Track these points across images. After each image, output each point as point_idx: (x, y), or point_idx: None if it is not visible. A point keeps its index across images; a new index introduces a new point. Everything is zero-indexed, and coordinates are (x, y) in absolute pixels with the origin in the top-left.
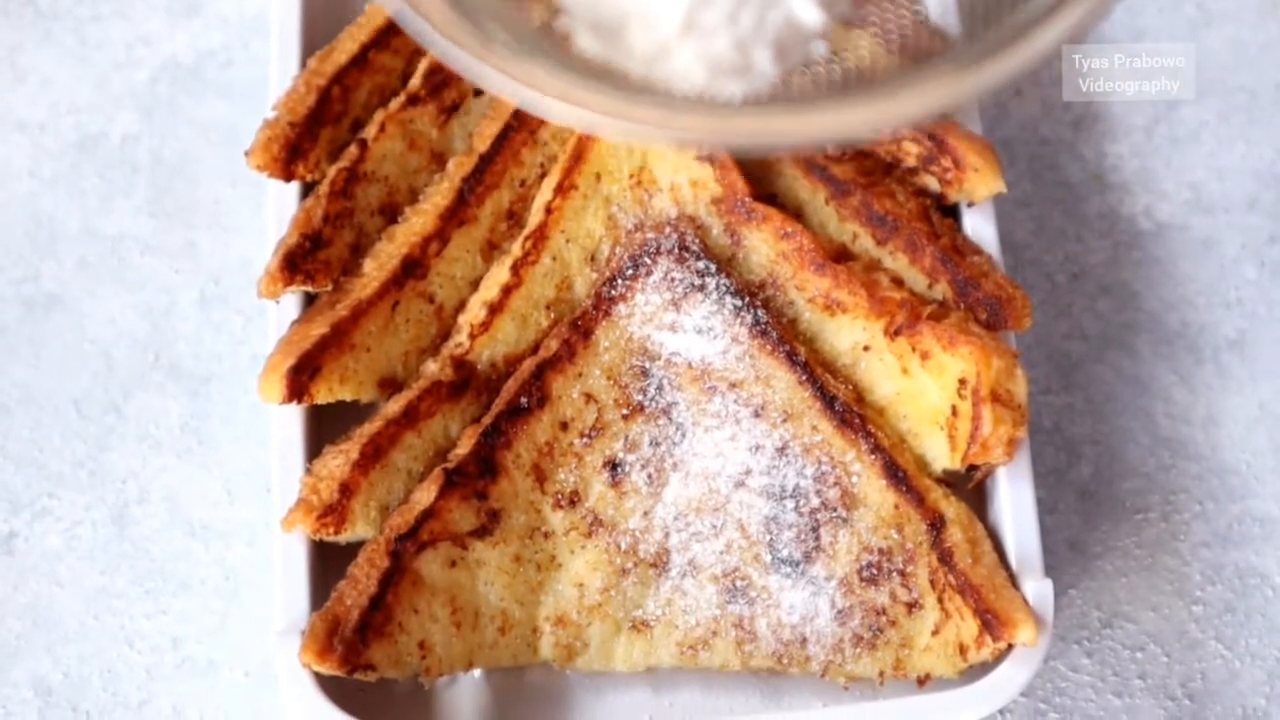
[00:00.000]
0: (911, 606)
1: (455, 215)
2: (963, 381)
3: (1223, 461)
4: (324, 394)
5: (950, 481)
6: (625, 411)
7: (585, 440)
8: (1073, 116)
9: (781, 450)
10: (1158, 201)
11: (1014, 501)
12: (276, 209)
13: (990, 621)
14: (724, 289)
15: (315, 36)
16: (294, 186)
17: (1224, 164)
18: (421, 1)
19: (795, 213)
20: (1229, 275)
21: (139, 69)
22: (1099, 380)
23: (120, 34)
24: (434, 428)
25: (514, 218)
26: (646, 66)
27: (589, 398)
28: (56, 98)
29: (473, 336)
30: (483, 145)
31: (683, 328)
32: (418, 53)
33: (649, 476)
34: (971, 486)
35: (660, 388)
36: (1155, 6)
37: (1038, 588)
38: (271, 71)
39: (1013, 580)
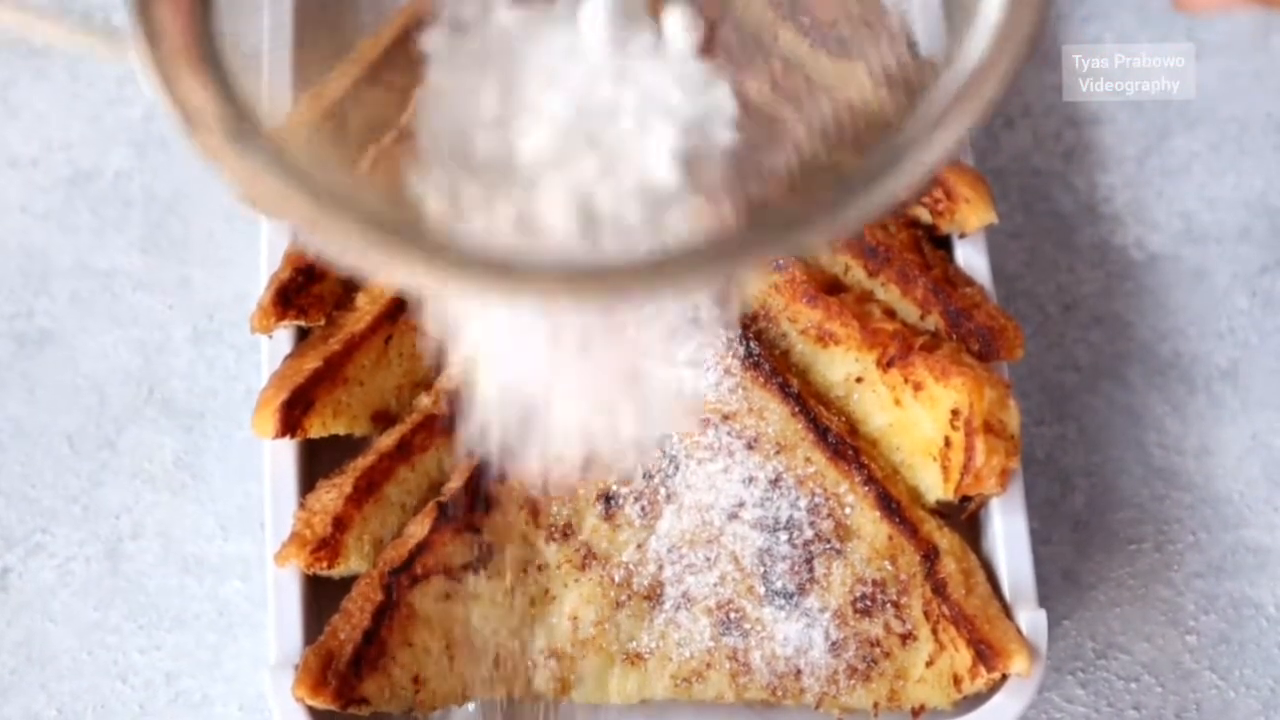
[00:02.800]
0: (905, 638)
1: None
2: (955, 412)
3: (1216, 491)
4: (317, 428)
5: (944, 513)
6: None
7: (578, 472)
8: (1064, 148)
9: (775, 482)
10: (1149, 232)
11: (1007, 532)
12: (270, 244)
13: (984, 652)
14: (716, 321)
15: (307, 72)
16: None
17: (1215, 194)
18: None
19: None
20: (1221, 305)
21: (132, 105)
22: (1092, 411)
23: (113, 71)
24: (427, 461)
25: None
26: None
27: (582, 430)
28: (49, 134)
29: (465, 370)
30: None
31: (675, 360)
32: (410, 88)
33: (642, 509)
34: (965, 517)
35: None
36: (1145, 37)
37: (1031, 618)
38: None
39: (1006, 611)
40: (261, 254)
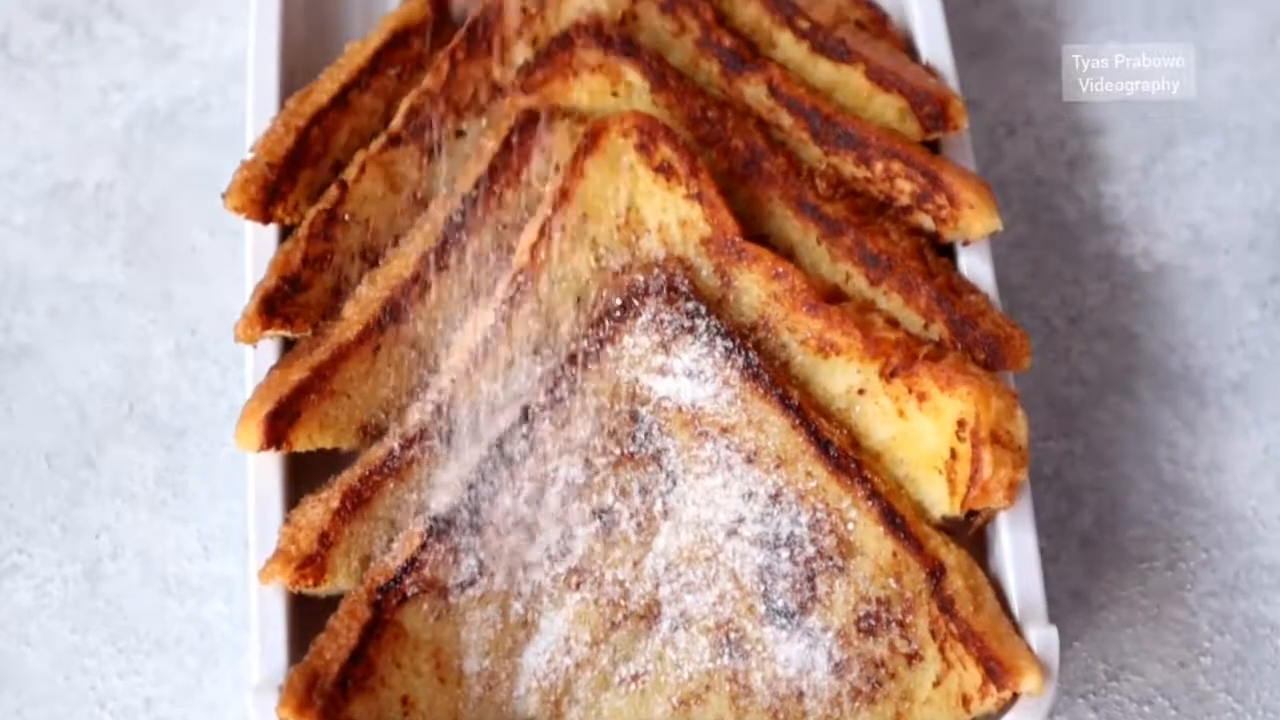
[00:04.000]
0: (911, 658)
1: (438, 258)
2: (961, 423)
3: (1229, 507)
4: (303, 441)
5: (950, 528)
6: (614, 458)
7: (573, 489)
8: (1068, 156)
9: (775, 497)
10: (1156, 242)
11: (1015, 547)
12: (254, 252)
13: (994, 669)
14: (714, 331)
15: (294, 79)
16: (272, 229)
17: (1223, 203)
18: None
19: (786, 253)
20: (1231, 316)
21: (114, 115)
22: (1100, 425)
23: (95, 80)
24: (417, 475)
25: (498, 260)
26: None
27: (577, 445)
28: (29, 144)
29: (457, 382)
30: (465, 187)
31: (672, 371)
32: (398, 94)
33: (638, 525)
34: (972, 533)
35: (650, 433)
36: (1152, 46)
37: (1042, 635)
38: (249, 115)
39: (1016, 629)
40: (246, 267)
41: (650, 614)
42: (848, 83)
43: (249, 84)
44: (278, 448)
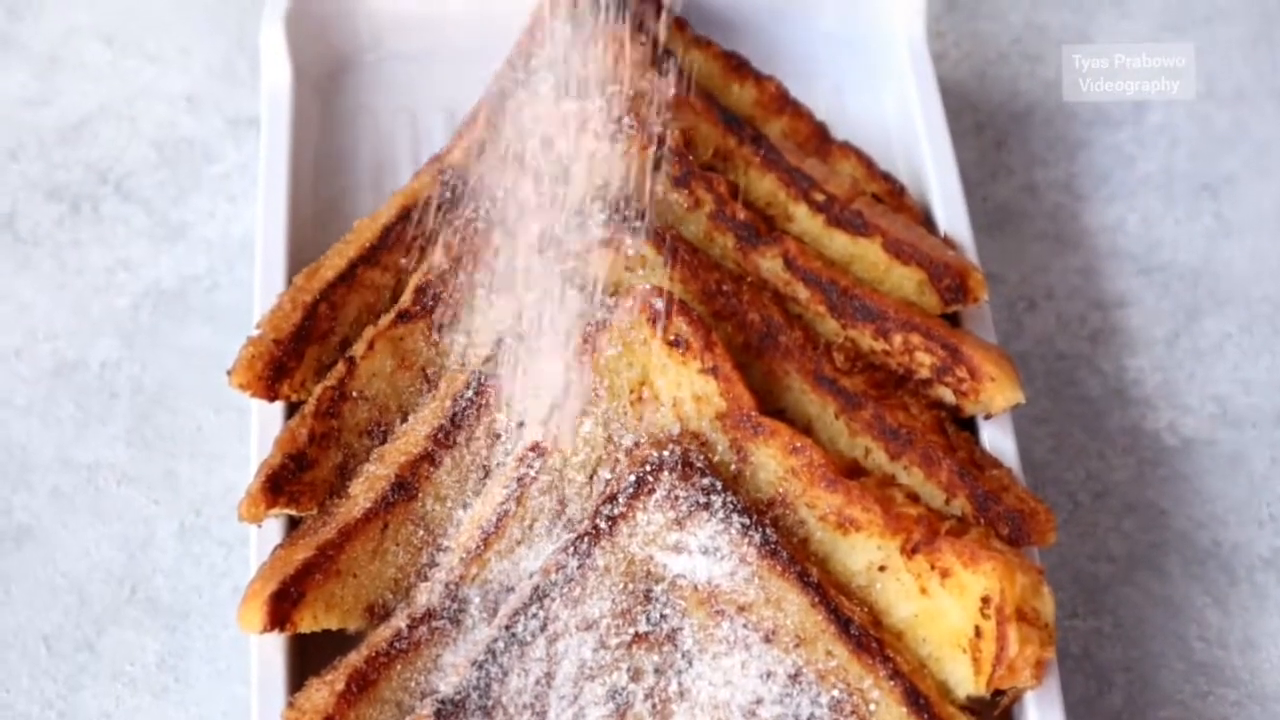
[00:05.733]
0: None
1: (448, 435)
2: (986, 600)
3: (1263, 687)
4: (308, 622)
5: (975, 709)
6: (628, 637)
7: (586, 670)
8: (1090, 330)
9: (794, 677)
10: (1182, 416)
11: None
12: (259, 430)
13: None
14: (730, 507)
15: (302, 257)
16: (278, 407)
17: (1250, 376)
18: None
19: (804, 428)
20: (1260, 491)
21: (120, 294)
22: (1128, 603)
23: (101, 259)
24: (425, 656)
25: (509, 436)
26: None
27: (590, 624)
28: (34, 324)
29: (466, 561)
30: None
31: (687, 548)
32: (408, 269)
33: (653, 707)
34: (998, 714)
35: (665, 612)
36: (1172, 218)
37: None
38: (256, 292)
39: None
40: (251, 446)
41: None
42: (865, 255)
43: (257, 261)
44: (282, 629)
